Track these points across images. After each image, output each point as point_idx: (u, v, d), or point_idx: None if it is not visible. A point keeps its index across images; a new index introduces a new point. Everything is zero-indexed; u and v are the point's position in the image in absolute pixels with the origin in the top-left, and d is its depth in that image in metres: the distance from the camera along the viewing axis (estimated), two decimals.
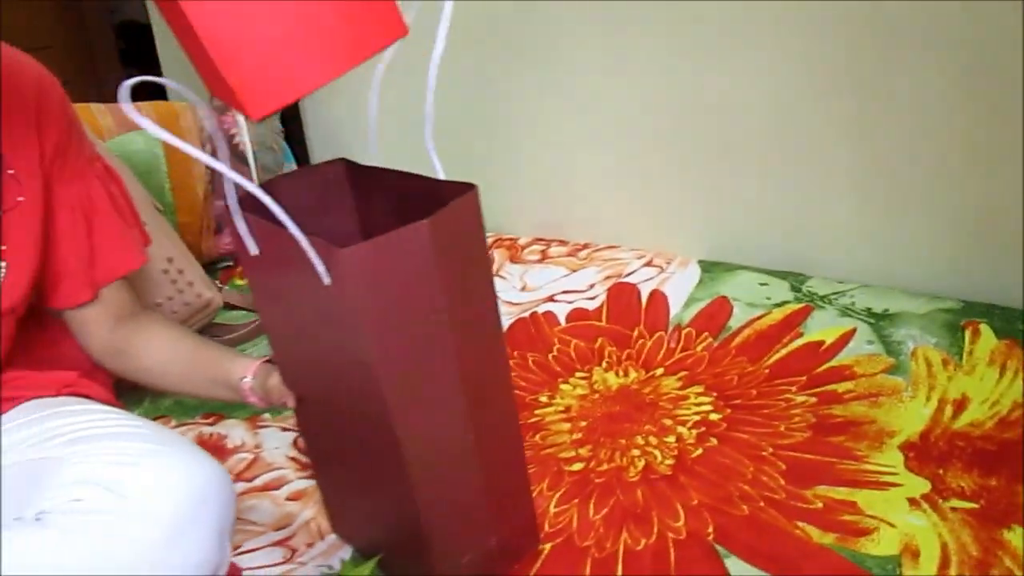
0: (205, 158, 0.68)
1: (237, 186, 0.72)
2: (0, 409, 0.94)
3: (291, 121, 2.13)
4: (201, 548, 0.79)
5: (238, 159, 1.95)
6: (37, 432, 0.88)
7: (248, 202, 0.75)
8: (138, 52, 3.04)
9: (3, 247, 0.92)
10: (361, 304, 0.70)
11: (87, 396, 1.00)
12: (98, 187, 1.01)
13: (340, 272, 0.69)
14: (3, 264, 0.92)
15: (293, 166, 2.09)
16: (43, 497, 0.78)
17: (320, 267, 0.68)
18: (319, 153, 2.21)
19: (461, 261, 0.75)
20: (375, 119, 0.78)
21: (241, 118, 1.97)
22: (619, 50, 1.60)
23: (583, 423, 1.17)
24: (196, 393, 1.02)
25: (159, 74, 2.59)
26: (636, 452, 1.09)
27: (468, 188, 0.75)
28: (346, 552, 0.98)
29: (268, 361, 0.92)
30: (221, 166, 0.68)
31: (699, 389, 1.21)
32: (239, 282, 1.84)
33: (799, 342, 1.29)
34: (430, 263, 0.71)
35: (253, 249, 0.77)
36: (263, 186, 0.73)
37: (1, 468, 0.85)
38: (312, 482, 1.11)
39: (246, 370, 0.94)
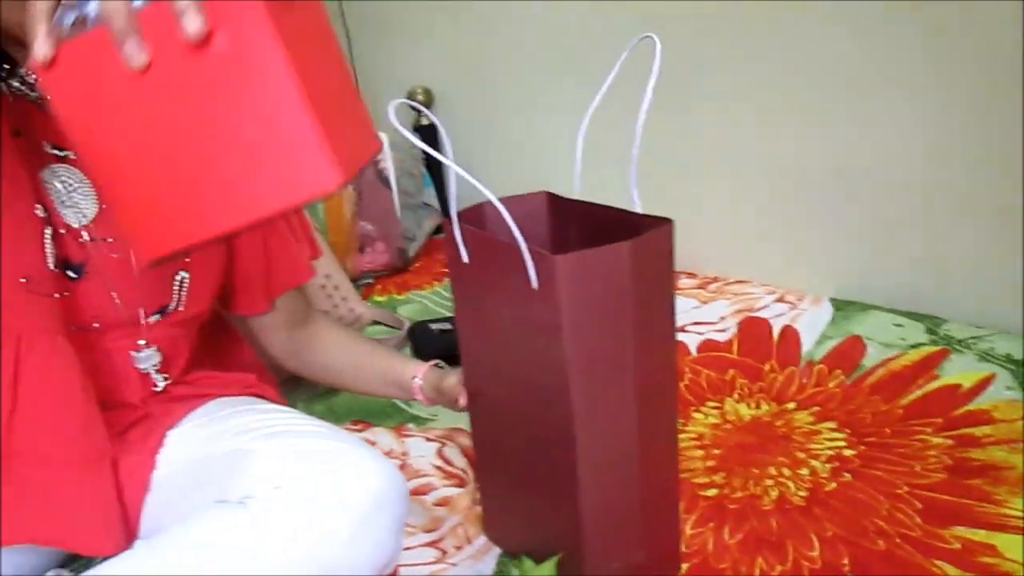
0: (458, 169, 0.83)
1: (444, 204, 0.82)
2: (191, 406, 1.05)
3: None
4: (383, 541, 0.88)
5: (382, 182, 2.07)
6: (230, 427, 0.98)
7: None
8: None
9: (187, 259, 1.00)
10: (564, 309, 0.79)
11: (263, 397, 1.10)
12: None
13: (549, 277, 0.78)
14: (187, 275, 1.00)
15: (432, 192, 2.20)
16: (244, 484, 0.87)
17: (532, 271, 0.78)
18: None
19: (652, 284, 0.83)
20: (579, 160, 0.90)
21: (387, 145, 2.10)
22: (757, 89, 1.64)
23: (716, 451, 1.21)
24: (368, 390, 1.15)
25: None
26: (770, 482, 1.13)
27: (665, 221, 0.84)
28: (494, 555, 1.05)
29: (437, 365, 1.02)
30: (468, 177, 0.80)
31: (832, 425, 1.24)
32: (378, 299, 1.95)
33: (935, 384, 1.29)
34: (627, 280, 0.79)
35: (464, 257, 0.87)
36: (473, 208, 0.89)
37: (202, 456, 0.96)
38: (458, 490, 1.19)
39: (417, 370, 1.07)
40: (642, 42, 0.82)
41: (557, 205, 1.00)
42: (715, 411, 1.31)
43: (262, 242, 1.08)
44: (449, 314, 1.75)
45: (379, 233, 2.05)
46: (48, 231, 0.89)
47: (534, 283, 0.80)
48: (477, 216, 0.96)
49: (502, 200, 0.84)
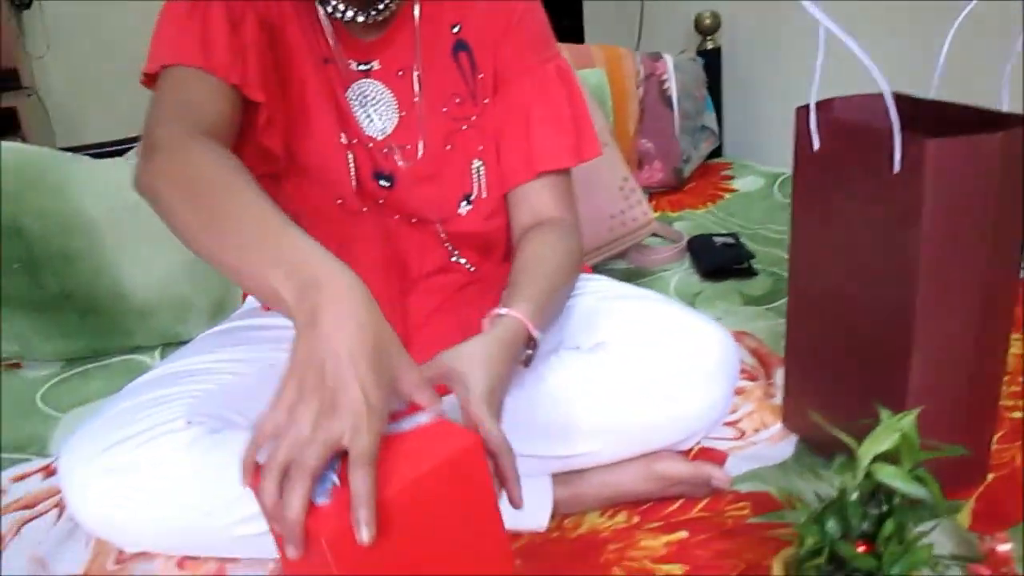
0: (853, 46, 0.78)
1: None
2: None
3: (714, 74, 2.28)
4: (718, 400, 0.97)
5: (664, 102, 2.13)
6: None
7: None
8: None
9: (480, 147, 1.05)
10: (927, 196, 0.81)
11: None
12: (535, 87, 1.03)
13: (916, 162, 0.80)
14: (482, 164, 1.06)
15: (712, 116, 2.23)
16: (597, 335, 0.98)
17: (897, 155, 0.81)
18: (732, 104, 2.34)
19: (1014, 184, 0.83)
20: (943, 60, 0.89)
21: (671, 66, 2.15)
22: None
23: (1021, 379, 1.20)
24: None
25: (581, 21, 2.85)
26: None
27: None
28: (791, 441, 1.11)
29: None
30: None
31: None
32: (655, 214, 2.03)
33: None
34: (995, 174, 0.80)
35: (815, 143, 0.92)
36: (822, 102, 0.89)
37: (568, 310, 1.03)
38: (750, 383, 1.25)
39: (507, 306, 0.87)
40: None
41: (906, 105, 1.01)
42: (1016, 342, 1.29)
43: (525, 121, 1.03)
44: (725, 232, 1.80)
45: (657, 151, 2.11)
46: (351, 155, 1.00)
47: (896, 167, 0.83)
48: (822, 110, 0.98)
49: (852, 97, 0.86)
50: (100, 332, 1.51)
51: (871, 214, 0.89)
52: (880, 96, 1.03)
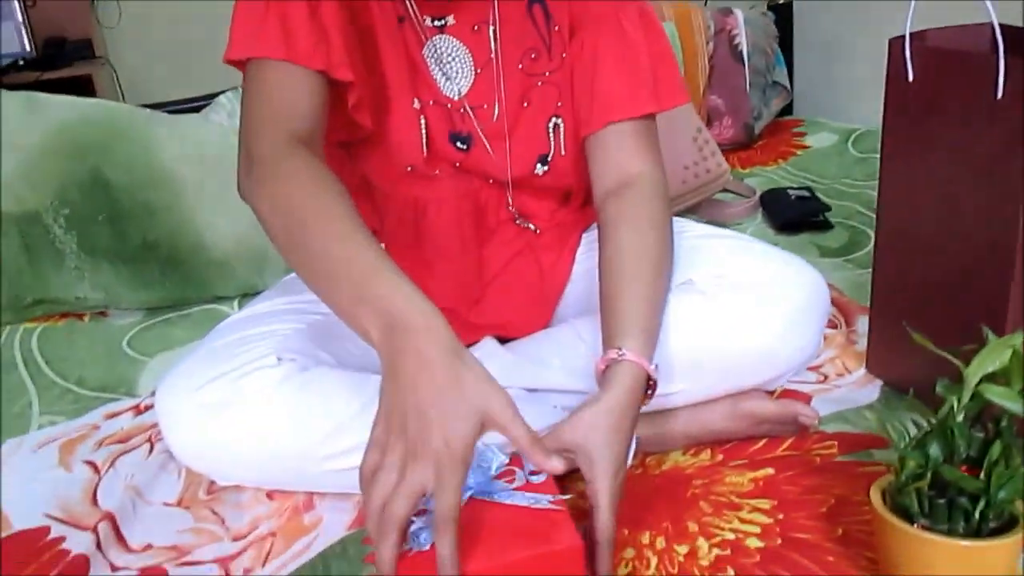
0: None
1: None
2: None
3: (785, 30, 2.23)
4: (808, 339, 0.96)
5: (734, 58, 2.09)
6: None
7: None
8: None
9: (559, 103, 1.02)
10: None
11: None
12: (610, 31, 0.98)
13: (1019, 87, 0.78)
14: (560, 121, 1.02)
15: (783, 71, 2.19)
16: (687, 271, 0.97)
17: (1001, 80, 0.79)
18: (804, 60, 2.29)
19: None
20: None
21: (742, 20, 2.11)
22: None
23: None
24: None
25: None
26: None
27: None
28: (876, 386, 1.09)
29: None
30: None
31: None
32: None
33: None
34: None
35: (910, 74, 0.90)
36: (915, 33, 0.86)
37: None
38: (832, 330, 1.24)
39: (613, 352, 0.83)
40: None
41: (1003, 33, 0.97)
42: None
43: (593, 68, 0.99)
44: (798, 186, 1.77)
45: (727, 107, 2.08)
46: (423, 120, 0.97)
47: (999, 93, 0.81)
48: (916, 40, 0.96)
49: (946, 28, 0.84)
50: (181, 283, 1.55)
51: (969, 143, 0.87)
52: (973, 27, 1.00)
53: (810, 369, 1.14)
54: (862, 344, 1.16)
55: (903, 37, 0.92)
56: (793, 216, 1.62)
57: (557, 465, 0.66)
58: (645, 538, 0.86)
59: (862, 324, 1.22)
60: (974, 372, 0.67)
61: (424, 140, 0.98)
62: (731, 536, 0.85)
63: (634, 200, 0.94)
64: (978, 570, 0.68)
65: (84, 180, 1.52)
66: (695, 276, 0.96)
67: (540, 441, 0.67)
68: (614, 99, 0.96)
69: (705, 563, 0.82)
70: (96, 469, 1.08)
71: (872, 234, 1.54)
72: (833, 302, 1.31)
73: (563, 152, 1.02)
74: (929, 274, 0.98)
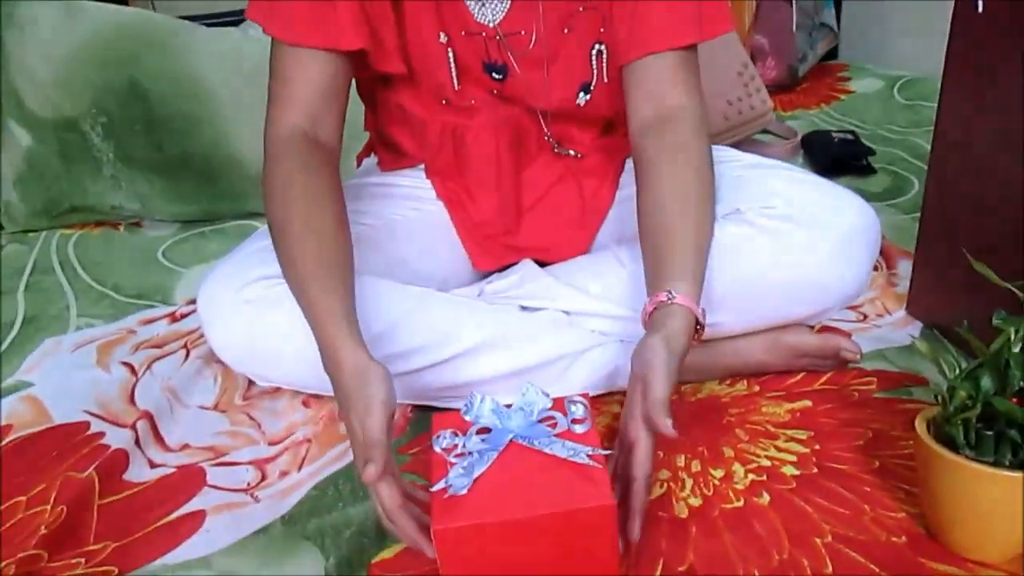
0: None
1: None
2: None
3: None
4: (856, 269, 0.94)
5: None
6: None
7: None
8: None
9: (602, 29, 0.96)
10: None
11: None
12: None
13: None
14: (604, 48, 0.96)
15: (831, 13, 2.13)
16: (733, 201, 0.95)
17: None
18: (853, 3, 2.23)
19: None
20: None
21: None
22: None
23: None
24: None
25: None
26: None
27: None
28: (916, 326, 1.08)
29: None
30: None
31: None
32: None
33: None
34: None
35: (980, 6, 0.87)
36: None
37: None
38: (873, 272, 1.22)
39: (663, 295, 0.81)
40: None
41: None
42: None
43: None
44: (840, 131, 1.73)
45: (772, 48, 2.03)
46: (451, 54, 0.94)
47: None
48: None
49: None
50: (216, 196, 1.55)
51: None
52: None
53: (850, 308, 1.13)
54: (903, 287, 1.15)
55: None
56: (836, 159, 1.59)
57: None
58: (680, 461, 0.86)
59: (903, 267, 1.20)
60: None
61: (454, 74, 0.97)
62: (767, 463, 0.85)
63: (674, 137, 0.91)
64: None
65: (121, 89, 1.51)
66: (742, 205, 0.94)
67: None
68: (655, 28, 0.91)
69: (740, 487, 0.82)
70: (133, 371, 1.10)
71: (915, 181, 1.52)
72: None
73: (606, 80, 0.99)
74: (981, 219, 0.96)
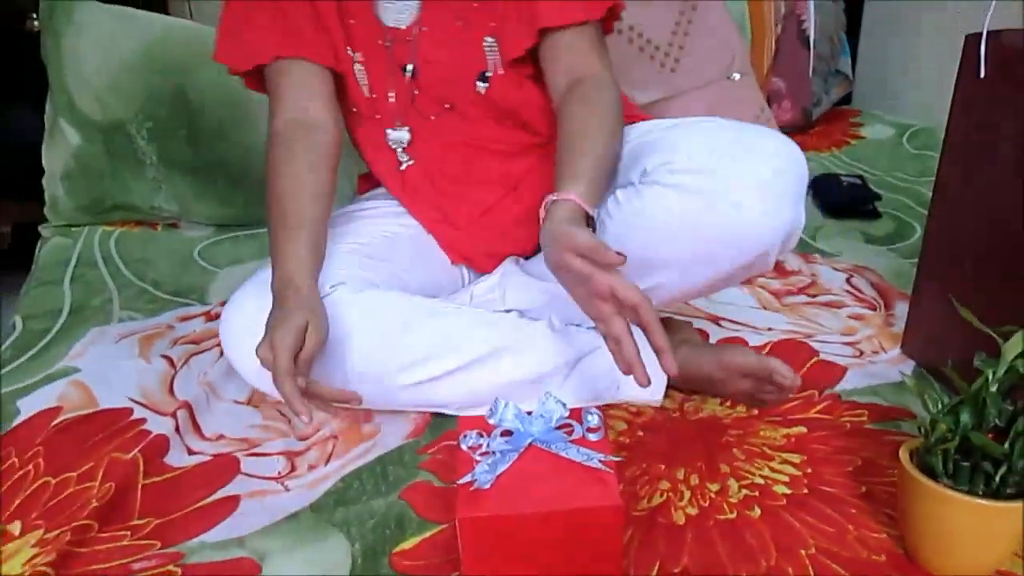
0: None
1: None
2: None
3: (853, 20, 2.25)
4: (782, 207, 0.93)
5: (801, 42, 2.12)
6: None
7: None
8: None
9: (492, 24, 1.05)
10: None
11: None
12: None
13: None
14: (495, 40, 1.05)
15: (847, 60, 2.21)
16: (645, 162, 0.97)
17: None
18: (868, 52, 2.31)
19: None
20: None
21: (812, 6, 2.13)
22: None
23: None
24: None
25: None
26: None
27: None
28: (909, 365, 1.15)
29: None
30: None
31: None
32: None
33: None
34: None
35: (982, 71, 0.94)
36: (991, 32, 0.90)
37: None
38: (871, 311, 1.29)
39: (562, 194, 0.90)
40: None
41: None
42: None
43: None
44: (849, 175, 1.80)
45: (788, 90, 2.11)
46: (358, 68, 1.08)
47: None
48: (991, 39, 0.99)
49: (1020, 30, 0.87)
50: (250, 202, 1.62)
51: None
52: None
53: (847, 344, 1.20)
54: (898, 327, 1.22)
55: (979, 34, 0.96)
56: (843, 201, 1.66)
57: None
58: (680, 474, 0.93)
59: (900, 309, 1.27)
60: (1012, 347, 0.72)
61: (365, 82, 1.09)
62: (761, 481, 0.92)
63: (583, 91, 1.01)
64: (992, 528, 0.75)
65: (168, 96, 1.59)
66: (648, 166, 0.97)
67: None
68: (544, 10, 1.01)
69: (734, 500, 0.89)
70: (172, 364, 1.17)
71: (918, 227, 1.59)
72: (874, 286, 1.38)
73: (501, 71, 1.07)
74: (975, 266, 1.03)
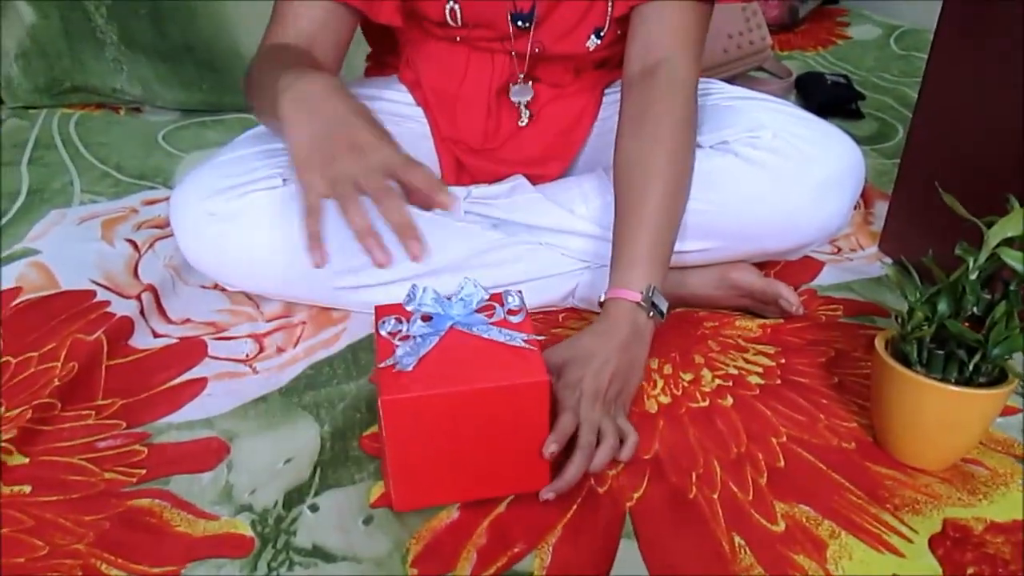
0: None
1: None
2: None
3: None
4: (839, 206, 0.98)
5: None
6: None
7: None
8: None
9: None
10: None
11: None
12: None
13: None
14: None
15: None
16: (724, 132, 0.97)
17: None
18: None
19: None
20: None
21: None
22: None
23: None
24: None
25: None
26: None
27: None
28: (885, 262, 1.15)
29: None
30: None
31: None
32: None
33: None
34: None
35: None
36: None
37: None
38: None
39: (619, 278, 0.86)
40: None
41: None
42: None
43: None
44: (834, 74, 1.76)
45: None
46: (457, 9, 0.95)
47: None
48: None
49: None
50: (216, 87, 1.57)
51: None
52: None
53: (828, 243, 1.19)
54: (877, 226, 1.21)
55: None
56: (827, 100, 1.63)
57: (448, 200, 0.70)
58: (654, 364, 0.93)
59: (879, 208, 1.26)
60: (996, 234, 0.71)
61: (459, 19, 0.98)
62: (734, 371, 0.92)
63: (653, 92, 0.92)
64: (964, 416, 0.75)
65: None
66: (729, 136, 0.96)
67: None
68: None
69: (707, 389, 0.89)
70: (136, 248, 1.14)
71: (901, 128, 1.57)
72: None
73: (614, 27, 1.00)
74: (957, 167, 1.01)
